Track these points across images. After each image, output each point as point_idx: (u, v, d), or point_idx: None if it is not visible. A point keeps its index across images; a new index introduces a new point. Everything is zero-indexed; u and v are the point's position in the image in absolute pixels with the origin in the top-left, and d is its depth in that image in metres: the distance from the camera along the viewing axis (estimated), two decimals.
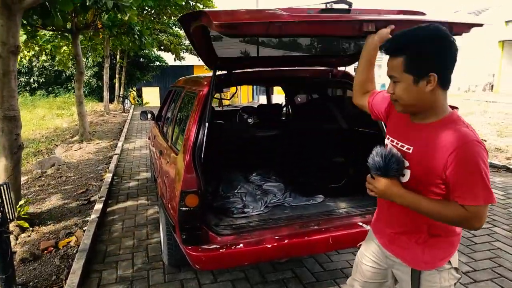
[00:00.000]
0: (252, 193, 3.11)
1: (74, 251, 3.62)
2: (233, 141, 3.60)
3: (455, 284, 1.56)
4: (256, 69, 2.96)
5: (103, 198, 4.92)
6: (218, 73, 2.76)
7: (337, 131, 3.70)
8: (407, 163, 1.47)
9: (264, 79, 3.07)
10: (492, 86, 23.36)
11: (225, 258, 2.38)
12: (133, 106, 19.86)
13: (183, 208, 2.39)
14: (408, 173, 1.47)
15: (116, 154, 7.74)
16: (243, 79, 2.94)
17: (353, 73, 3.12)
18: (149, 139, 5.78)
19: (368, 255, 1.77)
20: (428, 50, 1.34)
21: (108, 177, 5.97)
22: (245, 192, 3.13)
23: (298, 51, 2.88)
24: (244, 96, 23.63)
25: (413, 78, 1.36)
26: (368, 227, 2.63)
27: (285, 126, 4.11)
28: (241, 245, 2.41)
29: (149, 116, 5.26)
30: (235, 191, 3.16)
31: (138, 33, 10.32)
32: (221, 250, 2.37)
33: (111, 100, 18.89)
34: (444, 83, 1.37)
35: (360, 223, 2.68)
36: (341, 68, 3.04)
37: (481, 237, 3.82)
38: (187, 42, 20.25)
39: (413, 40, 1.37)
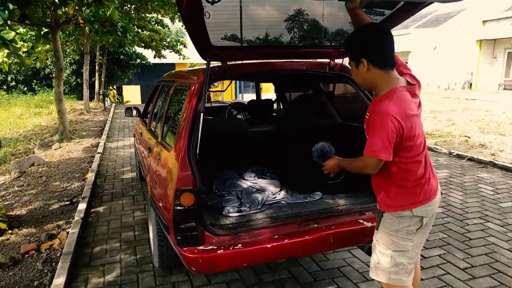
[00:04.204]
0: (248, 191, 2.98)
1: (58, 254, 3.43)
2: (226, 137, 3.46)
3: (417, 230, 1.92)
4: (253, 61, 2.83)
5: (87, 198, 4.71)
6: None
7: (332, 126, 3.61)
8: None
9: (262, 72, 2.94)
10: (471, 84, 23.83)
11: (223, 259, 2.25)
12: (113, 104, 19.44)
13: (178, 207, 2.25)
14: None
15: (98, 153, 7.49)
16: (238, 72, 2.81)
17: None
18: (134, 136, 5.58)
19: None
20: (356, 43, 1.88)
21: (91, 176, 5.75)
22: (240, 190, 3.00)
23: (294, 41, 2.76)
24: (226, 94, 23.39)
25: (354, 64, 1.87)
26: (369, 224, 2.57)
27: (278, 122, 3.99)
28: (240, 245, 2.29)
29: (134, 112, 5.06)
30: (230, 189, 3.03)
31: (121, 29, 10.03)
32: (218, 252, 2.24)
33: (91, 98, 18.42)
34: (377, 64, 1.80)
35: (361, 220, 2.60)
36: (338, 61, 2.95)
37: (476, 232, 3.81)
38: (168, 39, 19.92)
39: (348, 39, 1.95)
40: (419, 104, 1.91)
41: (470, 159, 6.73)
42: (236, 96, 24.16)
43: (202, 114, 2.40)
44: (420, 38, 22.29)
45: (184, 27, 2.23)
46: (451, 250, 3.45)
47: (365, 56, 1.81)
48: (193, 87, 2.62)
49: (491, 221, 4.07)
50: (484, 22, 22.93)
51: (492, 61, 23.17)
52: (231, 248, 2.27)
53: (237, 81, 19.64)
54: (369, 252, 2.66)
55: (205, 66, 2.53)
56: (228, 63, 2.68)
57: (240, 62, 2.81)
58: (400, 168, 1.86)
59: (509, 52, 22.31)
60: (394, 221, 1.92)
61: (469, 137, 8.68)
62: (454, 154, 7.13)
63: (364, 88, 2.06)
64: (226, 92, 22.86)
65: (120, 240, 3.79)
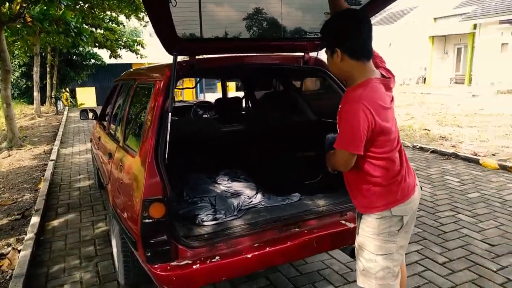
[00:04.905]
0: (222, 196, 2.76)
1: (7, 277, 3.05)
2: (195, 139, 3.23)
3: (398, 230, 1.82)
4: (224, 55, 2.61)
5: (40, 211, 4.30)
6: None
7: (305, 123, 3.47)
8: None
9: (234, 67, 2.71)
10: (425, 79, 24.78)
11: (200, 275, 2.03)
12: (67, 107, 18.49)
13: (147, 220, 2.00)
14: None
15: (52, 160, 6.96)
16: (208, 66, 2.58)
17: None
18: (91, 141, 5.18)
19: None
20: (331, 32, 1.77)
21: (44, 186, 5.30)
22: (213, 195, 2.77)
23: (268, 33, 2.57)
24: (187, 94, 22.82)
25: (329, 53, 1.76)
26: (351, 225, 2.44)
27: (250, 120, 3.79)
28: (218, 257, 2.08)
29: (90, 115, 4.69)
30: (203, 195, 2.79)
31: (75, 30, 9.37)
32: (194, 266, 2.02)
33: (43, 102, 17.38)
34: (352, 55, 1.70)
35: (343, 221, 2.46)
36: (313, 54, 2.80)
37: (449, 225, 3.81)
38: (124, 38, 19.15)
39: (324, 25, 1.81)
40: (392, 99, 1.83)
41: (434, 151, 6.87)
42: (197, 96, 23.59)
43: (170, 113, 2.16)
44: (376, 35, 22.17)
45: (147, 19, 1.97)
46: (428, 245, 3.41)
47: (339, 45, 1.70)
48: (159, 85, 2.37)
49: (461, 213, 4.10)
50: (435, 19, 23.91)
51: (443, 57, 24.22)
52: (208, 262, 2.05)
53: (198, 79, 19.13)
54: (352, 254, 2.53)
55: (168, 62, 2.30)
56: (196, 57, 2.45)
57: (209, 56, 2.59)
58: (374, 166, 1.76)
59: (458, 48, 23.41)
60: (374, 223, 1.82)
61: (429, 130, 8.92)
62: (417, 147, 7.26)
63: (339, 78, 1.98)
64: (187, 92, 22.34)
65: (79, 256, 3.46)
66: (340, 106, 1.75)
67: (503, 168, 5.58)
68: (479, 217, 3.97)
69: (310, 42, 2.70)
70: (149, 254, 2.02)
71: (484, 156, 6.24)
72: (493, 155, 6.35)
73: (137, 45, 18.86)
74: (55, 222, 4.28)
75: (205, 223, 2.43)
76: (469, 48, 21.71)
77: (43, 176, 5.91)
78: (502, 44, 19.71)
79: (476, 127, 8.99)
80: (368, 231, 1.84)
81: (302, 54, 2.75)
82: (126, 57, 20.11)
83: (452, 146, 7.16)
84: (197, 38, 2.36)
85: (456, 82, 23.09)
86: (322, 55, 2.79)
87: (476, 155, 6.33)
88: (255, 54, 2.69)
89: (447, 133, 8.45)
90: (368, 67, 1.74)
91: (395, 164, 1.79)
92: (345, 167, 1.76)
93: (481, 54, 20.29)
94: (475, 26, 20.76)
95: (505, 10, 19.03)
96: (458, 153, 6.45)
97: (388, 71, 1.89)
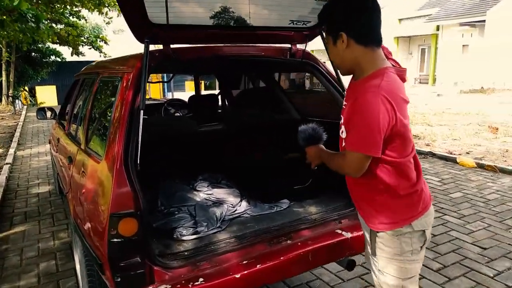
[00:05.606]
0: (202, 205, 2.43)
1: None
2: (169, 140, 2.89)
3: (421, 247, 1.57)
4: (203, 45, 2.29)
5: None
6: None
7: (289, 122, 3.20)
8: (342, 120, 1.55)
9: (214, 58, 2.38)
10: None
11: None
12: (25, 107, 17.45)
13: (116, 240, 1.66)
14: (343, 127, 1.53)
15: (7, 163, 6.38)
16: (186, 57, 2.25)
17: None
18: (50, 143, 4.71)
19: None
20: (334, 12, 1.51)
21: None
22: (193, 204, 2.44)
23: (253, 21, 2.27)
24: (154, 91, 22.03)
25: (331, 39, 1.51)
26: (349, 235, 2.20)
27: (230, 119, 3.47)
28: (201, 279, 1.77)
29: (48, 114, 4.25)
30: (180, 205, 2.46)
31: (33, 19, 8.66)
32: None
33: None
34: (359, 39, 1.45)
35: (339, 231, 2.21)
36: (300, 47, 2.53)
37: (437, 228, 3.66)
38: (87, 35, 18.27)
39: (324, 7, 1.57)
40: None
41: None
42: (164, 95, 22.80)
43: (142, 111, 1.83)
44: None
45: (111, 14, 1.63)
46: None
47: (344, 28, 1.45)
48: (127, 78, 2.03)
49: (448, 214, 3.97)
50: (400, 20, 24.44)
51: (408, 57, 24.79)
52: (190, 285, 1.74)
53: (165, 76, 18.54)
54: (349, 267, 2.30)
55: (136, 53, 1.97)
56: (172, 46, 2.12)
57: (186, 46, 2.27)
58: (390, 172, 1.49)
59: (422, 48, 24.06)
60: (394, 242, 1.54)
61: None
62: None
63: (343, 70, 1.58)
64: (154, 91, 21.57)
65: (38, 274, 3.05)
66: (348, 101, 1.50)
67: (480, 166, 5.56)
68: (465, 218, 3.85)
69: (297, 32, 2.43)
70: (118, 279, 1.68)
71: (460, 154, 6.23)
72: (467, 153, 6.37)
73: (100, 41, 18.05)
74: (10, 234, 3.82)
75: (185, 238, 2.10)
76: (432, 48, 22.34)
77: None
78: (463, 45, 20.43)
79: (446, 126, 9.10)
80: (389, 252, 1.56)
81: (288, 45, 2.48)
82: (89, 54, 19.23)
83: (427, 145, 7.15)
84: (173, 24, 2.03)
85: (420, 82, 23.70)
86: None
87: (451, 153, 6.32)
88: (238, 44, 2.39)
89: (419, 131, 8.48)
90: (378, 55, 1.49)
91: (413, 171, 1.54)
92: (357, 173, 1.47)
93: (444, 55, 20.93)
94: (438, 28, 21.39)
95: (465, 12, 19.75)
96: (435, 152, 6.41)
97: (397, 63, 1.63)
